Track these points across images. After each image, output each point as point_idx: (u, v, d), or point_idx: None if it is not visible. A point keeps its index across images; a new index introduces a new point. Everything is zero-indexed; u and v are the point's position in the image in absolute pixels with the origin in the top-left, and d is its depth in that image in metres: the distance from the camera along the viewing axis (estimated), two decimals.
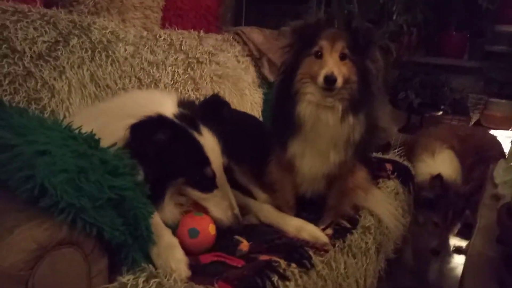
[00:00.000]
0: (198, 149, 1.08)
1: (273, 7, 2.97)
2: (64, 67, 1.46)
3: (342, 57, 1.20)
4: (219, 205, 1.13)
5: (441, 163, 2.07)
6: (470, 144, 2.29)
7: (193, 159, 1.08)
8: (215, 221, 1.12)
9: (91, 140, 0.91)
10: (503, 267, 1.06)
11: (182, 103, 1.16)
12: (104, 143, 0.93)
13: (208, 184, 1.12)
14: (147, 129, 1.01)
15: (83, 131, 0.94)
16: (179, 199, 1.12)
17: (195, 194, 1.12)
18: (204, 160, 1.09)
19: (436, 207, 1.95)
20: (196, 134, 1.08)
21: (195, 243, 1.06)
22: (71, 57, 1.49)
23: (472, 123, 3.47)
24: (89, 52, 1.56)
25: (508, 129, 2.93)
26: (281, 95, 1.30)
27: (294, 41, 1.27)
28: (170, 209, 1.08)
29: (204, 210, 1.13)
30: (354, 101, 1.21)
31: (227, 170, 1.18)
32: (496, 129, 3.10)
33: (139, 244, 0.91)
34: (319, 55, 1.20)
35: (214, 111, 1.19)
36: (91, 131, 0.94)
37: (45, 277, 0.76)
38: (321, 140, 1.25)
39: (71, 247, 0.81)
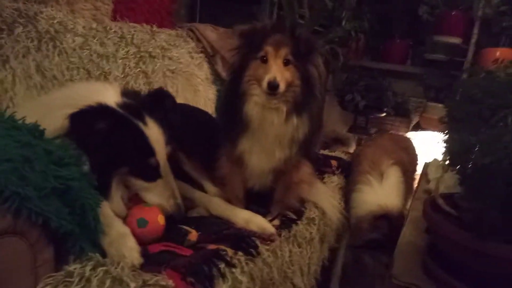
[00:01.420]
0: (143, 139, 1.08)
1: (227, 6, 3.01)
2: (8, 56, 1.41)
3: (286, 62, 1.27)
4: (162, 194, 1.14)
5: (388, 187, 1.76)
6: (411, 157, 2.12)
7: (137, 148, 1.09)
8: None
9: (36, 131, 0.90)
10: (428, 254, 1.17)
11: (126, 94, 1.16)
12: (46, 133, 0.92)
13: (152, 174, 1.13)
14: (87, 118, 1.00)
15: (27, 121, 0.93)
16: (123, 189, 1.12)
17: (139, 183, 1.12)
18: (149, 150, 1.10)
19: (386, 247, 1.58)
20: (140, 124, 1.09)
21: (144, 232, 1.07)
22: (16, 46, 1.44)
23: (412, 125, 3.71)
24: (35, 42, 1.52)
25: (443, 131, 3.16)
26: (230, 94, 1.36)
27: (242, 44, 1.33)
28: (116, 200, 1.08)
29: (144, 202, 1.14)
30: (298, 103, 1.29)
31: (172, 160, 1.20)
32: (433, 130, 3.34)
33: (86, 233, 0.91)
34: (264, 60, 1.27)
35: (158, 102, 1.20)
36: (35, 122, 0.93)
37: None
38: (267, 138, 1.32)
39: (15, 236, 0.79)
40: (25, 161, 0.81)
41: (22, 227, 0.80)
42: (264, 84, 1.22)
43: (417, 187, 2.04)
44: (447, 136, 1.18)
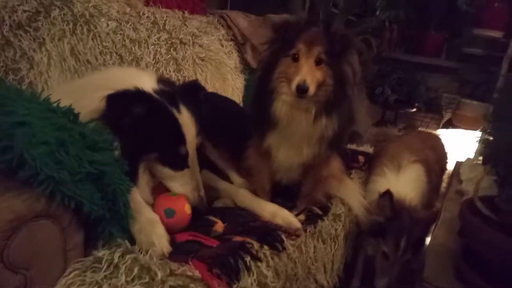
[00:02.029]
0: (176, 126, 1.08)
1: None
2: (44, 39, 1.42)
3: (318, 61, 1.22)
4: (187, 185, 1.14)
5: (405, 181, 1.63)
6: (438, 157, 1.97)
7: (170, 135, 1.09)
8: None
9: (70, 114, 0.91)
10: (461, 257, 1.13)
11: (162, 81, 1.16)
12: (80, 115, 0.92)
13: (180, 163, 1.12)
14: (125, 100, 1.00)
15: (61, 105, 0.93)
16: (149, 177, 1.12)
17: (165, 171, 1.12)
18: (180, 138, 1.10)
19: (386, 234, 1.48)
20: (175, 111, 1.09)
21: (171, 222, 1.07)
22: (52, 29, 1.46)
23: (444, 121, 3.60)
24: (71, 25, 1.53)
25: (477, 129, 3.05)
26: (259, 90, 1.33)
27: (274, 38, 1.29)
28: (143, 186, 1.08)
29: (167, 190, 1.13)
30: (328, 103, 1.24)
31: (200, 151, 1.19)
32: (466, 129, 3.23)
33: (117, 219, 0.92)
34: (296, 58, 1.22)
35: (192, 93, 1.20)
36: (70, 105, 0.93)
37: (20, 247, 0.77)
38: (295, 137, 1.29)
39: (48, 220, 0.81)
40: (60, 144, 0.81)
41: (55, 211, 0.81)
42: (293, 86, 1.17)
43: (448, 187, 1.97)
44: (489, 135, 1.12)
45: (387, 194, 1.48)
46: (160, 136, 1.07)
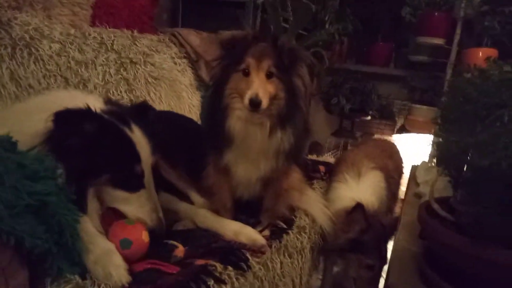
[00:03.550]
0: (129, 144, 1.03)
1: (211, 10, 2.97)
2: None
3: (269, 75, 1.21)
4: (144, 207, 1.07)
5: (365, 187, 1.63)
6: (395, 164, 1.99)
7: (123, 154, 1.03)
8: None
9: (7, 143, 0.84)
10: (424, 260, 1.14)
11: (109, 102, 1.12)
12: (21, 141, 0.86)
13: (135, 183, 1.06)
14: (74, 118, 0.94)
15: None
16: (97, 203, 1.04)
17: (118, 194, 1.05)
18: (135, 156, 1.04)
19: (366, 246, 1.45)
20: (126, 130, 1.04)
21: (128, 254, 0.99)
22: None
23: (397, 127, 3.73)
24: (9, 49, 1.45)
25: (428, 133, 3.18)
26: (212, 107, 1.30)
27: (223, 55, 1.27)
28: (92, 213, 1.01)
29: (122, 216, 1.06)
30: (282, 116, 1.24)
31: (156, 172, 1.14)
32: (418, 132, 3.35)
33: (65, 252, 0.85)
34: (246, 73, 1.21)
35: (141, 113, 1.16)
36: (7, 133, 0.86)
37: None
38: (252, 151, 1.27)
39: None
40: None
41: None
42: (246, 100, 1.16)
43: (406, 190, 2.02)
44: (439, 138, 1.15)
45: (359, 207, 1.46)
46: (112, 155, 1.01)
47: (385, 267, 1.52)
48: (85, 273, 0.88)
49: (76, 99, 1.05)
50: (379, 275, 1.56)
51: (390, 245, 1.56)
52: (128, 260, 0.99)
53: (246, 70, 1.21)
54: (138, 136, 1.06)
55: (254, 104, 1.15)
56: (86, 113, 0.97)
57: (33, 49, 1.52)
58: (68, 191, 0.89)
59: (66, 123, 0.93)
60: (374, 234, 1.48)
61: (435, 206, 1.06)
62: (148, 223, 1.07)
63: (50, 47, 1.60)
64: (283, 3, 2.86)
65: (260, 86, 1.17)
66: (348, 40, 3.68)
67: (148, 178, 1.09)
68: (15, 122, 0.94)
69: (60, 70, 1.60)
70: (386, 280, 1.10)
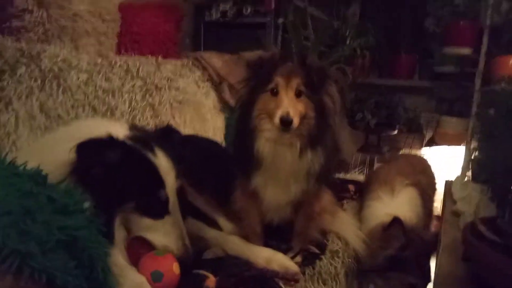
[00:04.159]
0: (153, 169, 1.02)
1: (231, 32, 2.99)
2: (10, 98, 1.36)
3: (298, 94, 1.19)
4: (170, 234, 1.04)
5: (400, 204, 1.55)
6: (429, 180, 1.93)
7: (147, 180, 1.02)
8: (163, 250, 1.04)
9: (38, 177, 0.84)
10: (471, 285, 1.06)
11: (134, 128, 1.11)
12: (50, 173, 0.86)
13: (160, 209, 1.04)
14: (96, 148, 0.94)
15: (28, 166, 0.86)
16: (123, 232, 1.03)
17: (144, 222, 1.03)
18: (159, 182, 1.02)
19: (407, 263, 1.36)
20: (150, 155, 1.03)
21: (159, 286, 0.97)
22: (19, 87, 1.40)
23: (426, 140, 3.61)
24: (39, 81, 1.48)
25: (459, 145, 3.06)
26: (240, 130, 1.29)
27: (250, 76, 1.26)
28: (119, 244, 0.99)
29: (147, 246, 1.04)
30: (312, 136, 1.21)
31: (183, 197, 1.12)
32: (449, 145, 3.24)
33: (95, 287, 0.83)
34: (274, 92, 1.19)
35: (166, 137, 1.15)
36: (38, 167, 0.87)
37: None
38: (281, 174, 1.24)
39: None
40: (26, 213, 0.74)
41: (25, 287, 0.72)
42: (277, 119, 1.13)
43: (442, 208, 1.93)
44: (476, 152, 1.09)
45: (397, 222, 1.39)
46: (136, 182, 1.00)
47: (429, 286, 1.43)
48: None
49: (100, 127, 1.05)
50: None
51: (432, 263, 1.48)
52: None
53: (275, 90, 1.18)
54: (162, 161, 1.04)
55: (286, 122, 1.12)
56: (108, 141, 0.97)
57: (61, 80, 1.55)
58: (98, 224, 0.88)
59: (89, 153, 0.93)
60: (415, 250, 1.40)
61: (482, 228, 0.99)
62: (174, 251, 1.04)
63: (78, 77, 1.62)
64: (304, 21, 2.85)
65: (290, 105, 1.15)
66: (370, 53, 3.63)
67: (174, 203, 1.07)
68: (43, 153, 0.95)
69: (88, 99, 1.63)
70: None
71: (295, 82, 1.18)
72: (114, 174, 0.96)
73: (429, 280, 1.44)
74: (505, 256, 0.91)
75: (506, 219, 0.96)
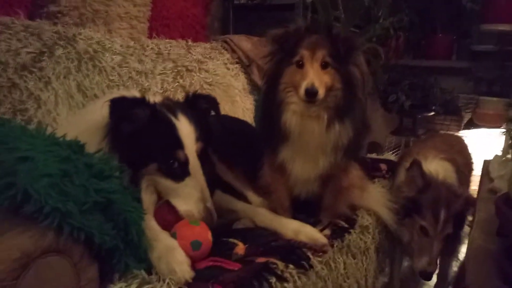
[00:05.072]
0: (172, 130, 1.06)
1: (260, 15, 2.98)
2: (49, 78, 1.43)
3: (324, 65, 1.18)
4: (190, 196, 1.06)
5: (433, 168, 1.51)
6: (465, 160, 1.88)
7: (167, 141, 1.07)
8: (185, 215, 1.07)
9: (76, 146, 0.89)
10: (505, 259, 1.03)
11: (167, 98, 1.19)
12: (87, 141, 0.93)
13: (180, 171, 1.06)
14: (127, 103, 1.03)
15: (68, 137, 0.92)
16: (152, 195, 1.08)
17: (168, 184, 1.07)
18: (177, 143, 1.06)
19: (421, 206, 1.37)
20: (172, 118, 1.08)
21: (198, 255, 1.01)
22: (57, 68, 1.47)
23: (464, 122, 3.48)
24: (75, 62, 1.54)
25: (500, 126, 2.94)
26: (267, 104, 1.29)
27: (275, 50, 1.25)
28: (147, 204, 1.03)
29: (174, 212, 1.07)
30: (339, 108, 1.20)
31: (214, 173, 1.14)
32: (489, 127, 3.11)
33: (131, 249, 0.88)
34: (300, 65, 1.18)
35: (192, 103, 1.20)
36: (76, 137, 0.92)
37: (31, 287, 0.73)
38: (309, 147, 1.24)
39: (57, 255, 0.77)
40: (64, 175, 0.79)
41: (65, 245, 0.78)
42: (302, 91, 1.13)
43: (479, 186, 1.87)
44: None
45: (415, 163, 1.40)
46: (158, 143, 1.06)
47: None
48: (150, 268, 0.91)
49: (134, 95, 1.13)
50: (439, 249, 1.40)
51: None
52: (196, 260, 1.01)
53: (300, 62, 1.18)
54: (183, 123, 1.08)
55: (310, 94, 1.12)
56: (139, 100, 1.05)
57: (96, 62, 1.61)
58: (133, 190, 0.93)
59: (120, 107, 1.00)
60: (434, 196, 1.38)
61: None
62: (195, 214, 1.06)
63: (112, 59, 1.68)
64: (334, 0, 2.80)
65: (316, 76, 1.14)
66: (404, 34, 3.52)
67: (194, 165, 1.08)
68: (81, 124, 1.00)
69: (122, 80, 1.68)
70: (461, 279, 1.01)
71: (321, 53, 1.17)
72: (139, 133, 1.03)
73: (459, 243, 1.48)
74: None
75: None
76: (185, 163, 1.07)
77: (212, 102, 1.25)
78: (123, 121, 1.01)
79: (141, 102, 1.05)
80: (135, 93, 1.18)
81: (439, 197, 1.38)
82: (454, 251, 1.61)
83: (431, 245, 1.36)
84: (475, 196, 1.76)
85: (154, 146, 1.05)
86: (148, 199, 1.05)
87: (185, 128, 1.08)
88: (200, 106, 1.19)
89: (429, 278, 1.38)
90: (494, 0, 2.88)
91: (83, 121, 1.05)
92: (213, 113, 1.26)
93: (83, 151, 0.91)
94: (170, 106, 1.11)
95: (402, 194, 1.47)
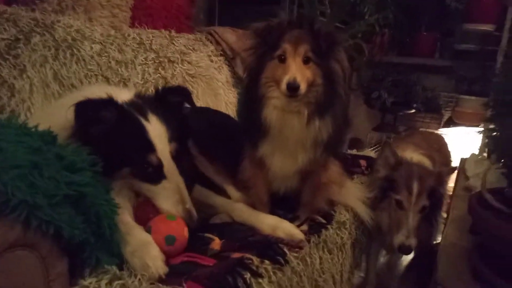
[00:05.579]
0: (143, 134, 1.01)
1: (246, 8, 2.95)
2: (25, 66, 1.39)
3: (306, 60, 1.17)
4: (169, 198, 1.04)
5: (411, 157, 1.58)
6: (444, 159, 1.93)
7: (137, 145, 1.02)
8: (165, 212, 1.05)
9: (47, 136, 0.87)
10: (476, 256, 1.06)
11: (138, 96, 1.12)
12: (59, 135, 0.89)
13: (155, 174, 1.04)
14: (92, 106, 0.96)
15: (41, 128, 0.89)
16: (130, 195, 1.05)
17: (145, 187, 1.04)
18: (148, 146, 1.02)
19: (395, 182, 1.44)
20: (142, 119, 1.02)
21: (171, 250, 1.00)
22: (33, 55, 1.43)
23: (444, 120, 3.54)
24: (53, 51, 1.50)
25: (478, 125, 2.99)
26: (248, 98, 1.28)
27: (257, 43, 1.24)
28: (126, 204, 1.02)
29: (153, 207, 1.05)
30: (320, 104, 1.19)
31: (194, 167, 1.12)
32: (467, 125, 3.17)
33: (102, 243, 0.87)
34: (282, 59, 1.17)
35: (162, 99, 1.13)
36: (48, 128, 0.89)
37: None
38: (289, 142, 1.23)
39: (25, 249, 0.75)
40: (34, 167, 0.76)
41: (33, 238, 0.76)
42: (283, 85, 1.12)
43: (455, 184, 1.91)
44: (491, 124, 1.06)
45: (386, 144, 1.50)
46: (129, 146, 1.01)
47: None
48: (122, 264, 0.89)
49: (106, 92, 1.05)
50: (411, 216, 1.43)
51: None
52: (170, 255, 0.99)
53: (282, 56, 1.17)
54: (154, 125, 1.03)
55: (293, 88, 1.11)
56: (105, 102, 0.99)
57: (75, 50, 1.58)
58: (106, 183, 0.91)
59: (85, 111, 0.94)
60: (406, 171, 1.46)
61: (488, 196, 0.98)
62: (175, 215, 1.05)
63: (91, 48, 1.65)
64: None
65: (298, 71, 1.13)
66: (389, 31, 3.54)
67: (170, 168, 1.05)
68: (52, 117, 0.97)
69: (101, 69, 1.65)
70: (434, 275, 1.03)
71: (303, 48, 1.16)
72: (108, 137, 0.97)
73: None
74: (511, 224, 0.90)
75: None
76: (159, 166, 1.03)
77: (184, 93, 1.19)
78: (90, 125, 0.96)
79: (108, 103, 0.99)
80: (107, 89, 1.11)
81: (411, 172, 1.45)
82: (430, 236, 1.62)
83: (407, 217, 1.41)
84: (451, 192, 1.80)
85: (125, 150, 1.00)
86: (125, 199, 1.02)
87: (156, 130, 1.03)
88: (171, 101, 1.14)
89: (408, 252, 1.41)
90: (476, 1, 2.91)
91: (55, 115, 1.01)
92: (187, 105, 1.20)
93: (55, 142, 0.88)
94: (140, 105, 1.05)
95: (377, 175, 1.54)
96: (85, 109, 0.94)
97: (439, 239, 1.61)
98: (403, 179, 1.44)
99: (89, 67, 1.61)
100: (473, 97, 3.09)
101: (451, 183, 2.04)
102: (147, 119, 1.03)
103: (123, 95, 1.07)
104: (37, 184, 0.74)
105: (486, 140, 1.84)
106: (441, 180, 1.48)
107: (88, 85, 1.53)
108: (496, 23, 2.92)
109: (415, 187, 1.41)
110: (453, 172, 1.54)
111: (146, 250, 0.93)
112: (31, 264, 0.76)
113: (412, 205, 1.41)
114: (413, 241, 1.38)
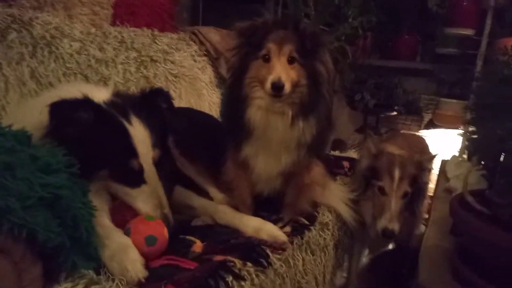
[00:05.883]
0: (125, 138, 0.98)
1: (230, 7, 2.95)
2: (0, 63, 1.34)
3: (291, 60, 1.16)
4: (147, 203, 1.02)
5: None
6: None
7: (119, 148, 0.99)
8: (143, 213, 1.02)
9: (22, 136, 0.83)
10: (457, 257, 1.06)
11: (117, 95, 1.08)
12: (33, 135, 0.86)
13: (134, 179, 1.01)
14: (67, 106, 0.92)
15: (14, 127, 0.86)
16: (106, 196, 1.02)
17: (122, 189, 1.01)
18: (131, 151, 0.99)
19: (377, 170, 1.47)
20: (124, 122, 0.99)
21: (152, 251, 0.97)
22: (9, 53, 1.38)
23: (425, 123, 3.59)
24: (30, 48, 1.46)
25: (458, 127, 3.04)
26: (231, 98, 1.26)
27: (241, 43, 1.23)
28: (103, 206, 0.98)
29: (133, 210, 1.03)
30: (304, 105, 1.18)
31: (161, 165, 1.06)
32: (447, 127, 3.22)
33: (79, 247, 0.84)
34: (266, 59, 1.16)
35: (148, 102, 1.10)
36: (23, 127, 0.86)
37: None
38: (272, 143, 1.22)
39: None
40: (6, 168, 0.73)
41: (5, 243, 0.72)
42: (268, 85, 1.11)
43: (436, 186, 1.93)
44: (472, 127, 1.07)
45: (367, 135, 1.53)
46: (108, 149, 0.97)
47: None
48: (100, 268, 0.87)
49: (85, 91, 1.01)
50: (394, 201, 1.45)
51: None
52: (151, 257, 0.97)
53: (267, 56, 1.16)
54: (137, 129, 1.00)
55: (277, 88, 1.09)
56: (82, 102, 0.95)
57: (53, 48, 1.53)
58: (83, 185, 0.88)
59: (60, 112, 0.91)
60: (387, 158, 1.49)
61: (469, 198, 0.98)
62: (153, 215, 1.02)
63: (71, 46, 1.60)
64: None
65: (283, 71, 1.12)
66: (372, 34, 3.58)
67: (150, 173, 1.03)
68: (27, 116, 0.93)
69: (80, 68, 1.61)
70: (417, 277, 1.04)
71: (288, 48, 1.15)
72: (85, 138, 0.93)
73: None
74: (492, 226, 0.90)
75: (495, 190, 0.95)
76: (140, 172, 1.00)
77: (165, 97, 1.16)
78: (65, 126, 0.92)
79: (84, 103, 0.95)
80: (84, 87, 1.07)
81: (393, 159, 1.49)
82: (413, 225, 1.64)
83: (390, 202, 1.43)
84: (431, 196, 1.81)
85: (104, 152, 0.97)
86: (101, 200, 0.98)
87: (139, 135, 1.00)
88: (157, 104, 1.11)
89: (392, 237, 1.42)
90: (458, 5, 2.96)
91: (30, 114, 0.97)
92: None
93: (29, 142, 0.85)
94: (120, 106, 1.02)
95: (360, 165, 1.57)
96: (60, 110, 0.90)
97: (422, 229, 1.64)
98: (385, 166, 1.47)
99: (68, 65, 1.56)
100: (453, 100, 3.14)
101: (432, 179, 2.07)
102: (129, 122, 1.00)
103: (101, 94, 1.04)
104: (9, 186, 0.71)
105: (466, 142, 1.88)
106: (422, 167, 1.50)
107: (65, 84, 1.48)
108: (475, 28, 2.98)
109: (397, 173, 1.44)
110: (433, 159, 1.57)
111: (125, 254, 0.90)
112: (3, 270, 0.73)
113: (394, 191, 1.44)
114: (396, 226, 1.40)
